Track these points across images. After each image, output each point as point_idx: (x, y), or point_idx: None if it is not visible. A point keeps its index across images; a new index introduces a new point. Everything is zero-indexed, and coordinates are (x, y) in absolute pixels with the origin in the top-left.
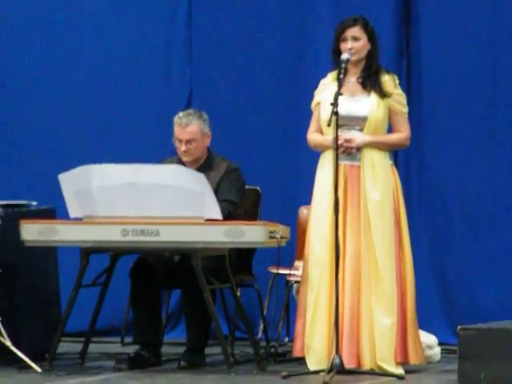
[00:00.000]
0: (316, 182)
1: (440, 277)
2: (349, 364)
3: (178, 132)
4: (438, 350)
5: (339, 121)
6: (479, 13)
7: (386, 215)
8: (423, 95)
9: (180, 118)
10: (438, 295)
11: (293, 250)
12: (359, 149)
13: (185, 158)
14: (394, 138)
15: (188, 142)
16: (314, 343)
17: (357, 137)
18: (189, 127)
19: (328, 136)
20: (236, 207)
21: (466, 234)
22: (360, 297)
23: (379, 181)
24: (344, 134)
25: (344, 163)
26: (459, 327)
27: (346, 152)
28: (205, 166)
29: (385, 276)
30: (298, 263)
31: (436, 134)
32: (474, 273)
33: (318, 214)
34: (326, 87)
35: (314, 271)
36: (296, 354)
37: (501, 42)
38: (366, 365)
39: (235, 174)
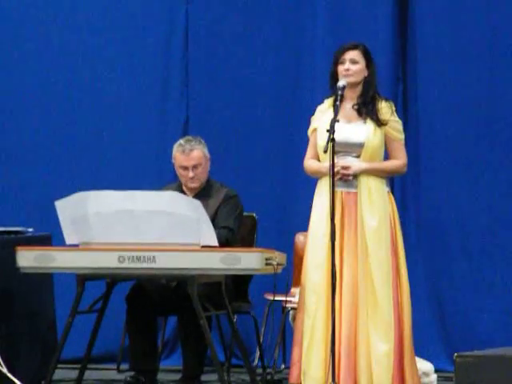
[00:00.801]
0: (313, 209)
1: (436, 303)
2: None
3: (182, 160)
4: (434, 377)
5: (335, 147)
6: (477, 38)
7: (383, 242)
8: (420, 120)
9: (182, 145)
10: (434, 322)
11: (289, 276)
12: (356, 176)
13: (192, 185)
14: (391, 164)
15: (194, 167)
16: (310, 370)
17: (354, 164)
18: (193, 153)
19: (325, 163)
20: (234, 234)
21: (463, 261)
22: (357, 324)
23: (376, 207)
24: (341, 161)
25: (341, 190)
26: (456, 354)
27: (342, 179)
28: (204, 193)
29: (382, 303)
30: (295, 290)
31: (433, 160)
32: (470, 299)
33: (314, 241)
34: (323, 114)
35: (310, 298)
36: (292, 381)
37: (498, 67)
38: None
39: (234, 200)
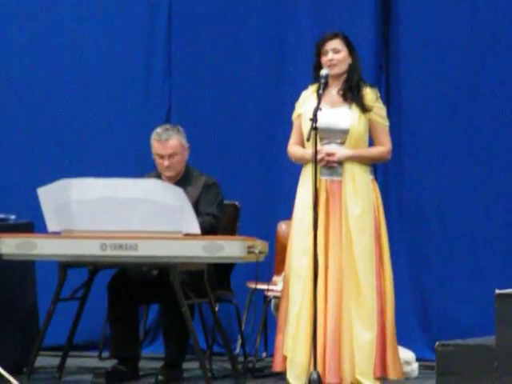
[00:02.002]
0: (297, 197)
1: (418, 292)
2: (333, 379)
3: (158, 148)
4: (415, 365)
5: (319, 133)
6: (459, 29)
7: (367, 229)
8: (402, 110)
9: (159, 133)
10: (416, 311)
11: (271, 265)
12: (341, 163)
13: (168, 173)
14: (376, 151)
15: (170, 156)
16: (296, 357)
17: (338, 150)
18: (169, 142)
19: (309, 150)
20: (218, 221)
21: (445, 250)
22: (342, 311)
23: (360, 195)
24: (325, 148)
25: (325, 178)
26: (437, 343)
27: (327, 166)
28: (183, 181)
29: (365, 290)
30: (277, 278)
31: (415, 149)
32: (452, 289)
33: (299, 229)
34: (307, 99)
35: (296, 285)
36: (276, 368)
37: (480, 58)
38: (346, 379)
39: (214, 188)
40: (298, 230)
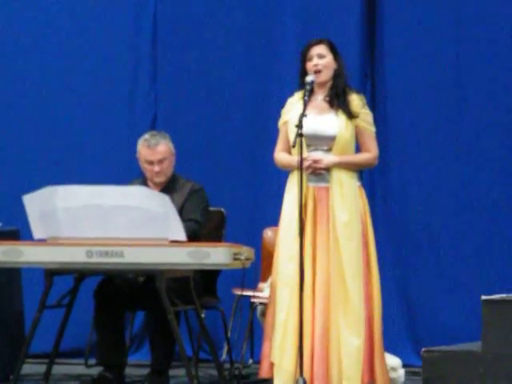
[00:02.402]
0: (284, 203)
1: (404, 299)
2: None
3: (147, 154)
4: (402, 372)
5: (306, 140)
6: (444, 34)
7: (354, 236)
8: (388, 117)
9: (147, 139)
10: (402, 317)
11: (257, 271)
12: (328, 169)
13: (158, 179)
14: (363, 157)
15: (160, 161)
16: (283, 363)
17: (325, 157)
18: (158, 147)
19: (296, 156)
20: (201, 227)
21: (431, 256)
22: (330, 317)
23: (347, 202)
24: (312, 155)
25: (313, 185)
26: (423, 349)
27: (314, 173)
28: (169, 187)
29: (353, 297)
30: (263, 285)
31: (400, 155)
32: (438, 295)
33: (286, 235)
34: (293, 106)
35: (283, 291)
36: (263, 375)
37: (466, 63)
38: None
39: (199, 194)
40: (284, 237)
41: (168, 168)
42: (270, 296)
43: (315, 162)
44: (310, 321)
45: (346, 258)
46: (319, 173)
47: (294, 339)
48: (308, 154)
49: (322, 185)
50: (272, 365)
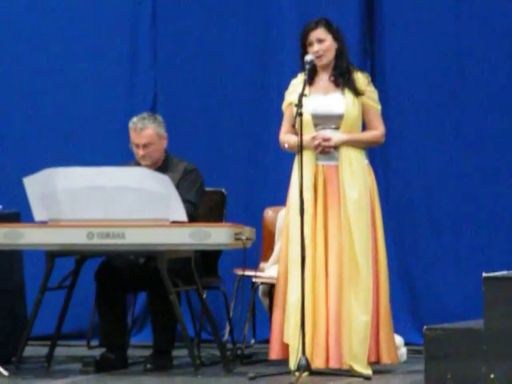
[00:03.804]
0: (292, 183)
1: (406, 277)
2: (336, 364)
3: (134, 137)
4: (404, 350)
5: (314, 120)
6: (443, 11)
7: (364, 213)
8: (388, 95)
9: (135, 123)
10: (403, 295)
11: (258, 251)
12: (336, 147)
13: (143, 162)
14: (370, 135)
15: (145, 146)
16: (297, 344)
17: (334, 135)
18: (144, 131)
19: (304, 136)
20: (196, 208)
21: (432, 235)
22: (342, 294)
23: (357, 179)
24: (322, 133)
25: (322, 163)
26: (425, 327)
27: (323, 151)
28: (162, 168)
29: (363, 273)
30: (264, 265)
31: (401, 135)
32: (439, 273)
33: (296, 215)
34: (296, 87)
35: (294, 272)
36: (273, 356)
37: (465, 39)
38: (346, 362)
39: (193, 174)
40: (295, 216)
41: (154, 152)
42: (277, 278)
43: (325, 140)
44: (323, 300)
45: (357, 235)
46: (328, 151)
47: (308, 321)
48: (317, 132)
49: (332, 163)
50: (283, 346)
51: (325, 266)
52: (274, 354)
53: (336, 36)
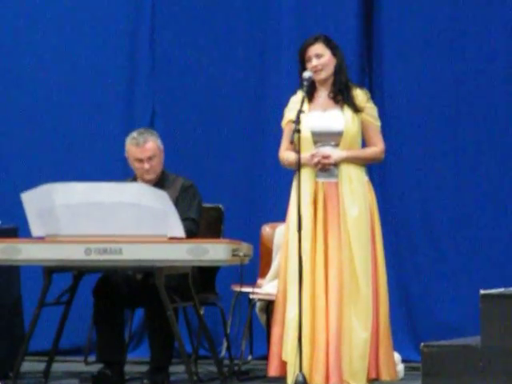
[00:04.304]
0: (291, 201)
1: (403, 294)
2: (336, 382)
3: (136, 152)
4: (401, 367)
5: (314, 137)
6: (442, 29)
7: (364, 231)
8: (385, 112)
9: (135, 138)
10: (400, 312)
11: (256, 268)
12: (336, 165)
13: (148, 176)
14: (370, 152)
15: (150, 158)
16: (297, 362)
17: (334, 152)
18: (147, 145)
19: (303, 153)
20: (198, 226)
21: (429, 251)
22: (343, 311)
23: (357, 197)
24: (321, 150)
25: (322, 180)
26: (422, 344)
27: (323, 169)
28: (159, 184)
29: (363, 291)
30: (261, 281)
31: (399, 151)
32: (436, 290)
33: (295, 233)
34: (296, 104)
35: (293, 289)
36: (272, 373)
37: (463, 58)
38: (346, 380)
39: (192, 190)
40: (294, 234)
41: (157, 165)
42: (277, 295)
43: (324, 157)
44: (323, 317)
45: (357, 251)
46: (328, 168)
47: (306, 337)
48: (317, 149)
49: (332, 180)
50: (281, 363)
51: (325, 283)
52: (273, 370)
53: (335, 52)
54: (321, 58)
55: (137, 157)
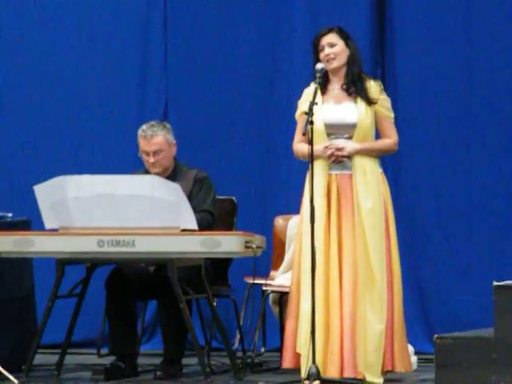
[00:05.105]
0: (305, 193)
1: (416, 286)
2: (351, 373)
3: (144, 145)
4: (414, 359)
5: (327, 130)
6: (454, 21)
7: (378, 223)
8: (398, 104)
9: (144, 130)
10: (414, 304)
11: (268, 259)
12: (350, 157)
13: (154, 170)
14: (384, 143)
15: (156, 153)
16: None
17: (348, 144)
18: (154, 139)
19: (317, 146)
20: (214, 217)
21: (442, 242)
22: (357, 303)
23: (371, 189)
24: (335, 142)
25: (335, 173)
26: (435, 336)
27: (337, 161)
28: (172, 176)
29: (378, 283)
30: (274, 273)
31: (411, 144)
32: (449, 282)
33: (309, 225)
34: (309, 96)
35: (307, 281)
36: (286, 365)
37: (476, 49)
38: (361, 372)
39: (206, 182)
40: (307, 226)
41: (164, 159)
42: (290, 287)
43: (338, 149)
44: (338, 309)
45: (371, 243)
46: (341, 160)
47: (321, 331)
48: (330, 142)
49: (345, 172)
50: (295, 355)
51: (339, 275)
52: (287, 362)
53: (348, 42)
54: (334, 47)
55: (144, 149)
